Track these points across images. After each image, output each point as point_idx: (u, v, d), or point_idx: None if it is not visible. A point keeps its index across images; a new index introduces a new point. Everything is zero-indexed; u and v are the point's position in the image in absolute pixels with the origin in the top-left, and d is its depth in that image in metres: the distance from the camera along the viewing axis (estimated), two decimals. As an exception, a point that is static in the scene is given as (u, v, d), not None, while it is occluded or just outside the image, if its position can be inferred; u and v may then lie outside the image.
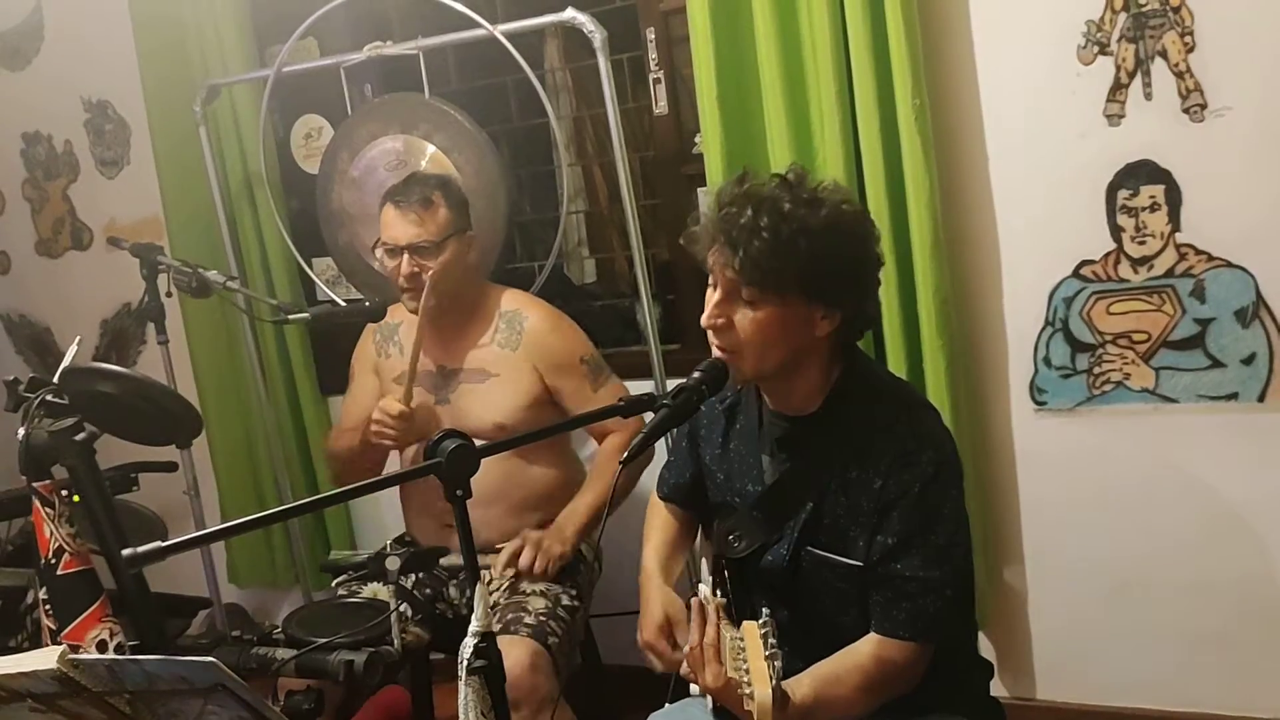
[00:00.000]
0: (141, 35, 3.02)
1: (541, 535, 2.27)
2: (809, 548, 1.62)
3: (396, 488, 2.45)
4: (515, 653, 2.02)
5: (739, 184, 1.58)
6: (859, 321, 1.65)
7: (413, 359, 2.26)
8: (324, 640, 1.92)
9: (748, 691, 1.31)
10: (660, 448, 1.98)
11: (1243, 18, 2.07)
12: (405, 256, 2.26)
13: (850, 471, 1.59)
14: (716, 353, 1.60)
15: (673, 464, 1.92)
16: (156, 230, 3.17)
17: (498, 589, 2.27)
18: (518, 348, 2.33)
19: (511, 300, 2.41)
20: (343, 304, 2.90)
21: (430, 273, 2.25)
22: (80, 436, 1.84)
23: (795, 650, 1.59)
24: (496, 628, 2.10)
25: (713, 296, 1.57)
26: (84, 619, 1.81)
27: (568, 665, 2.18)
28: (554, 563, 2.25)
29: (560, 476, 2.42)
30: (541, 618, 2.16)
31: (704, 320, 1.58)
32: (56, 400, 1.89)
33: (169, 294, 2.70)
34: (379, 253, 2.35)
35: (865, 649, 1.57)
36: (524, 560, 2.23)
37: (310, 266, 2.98)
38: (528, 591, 2.23)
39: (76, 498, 1.84)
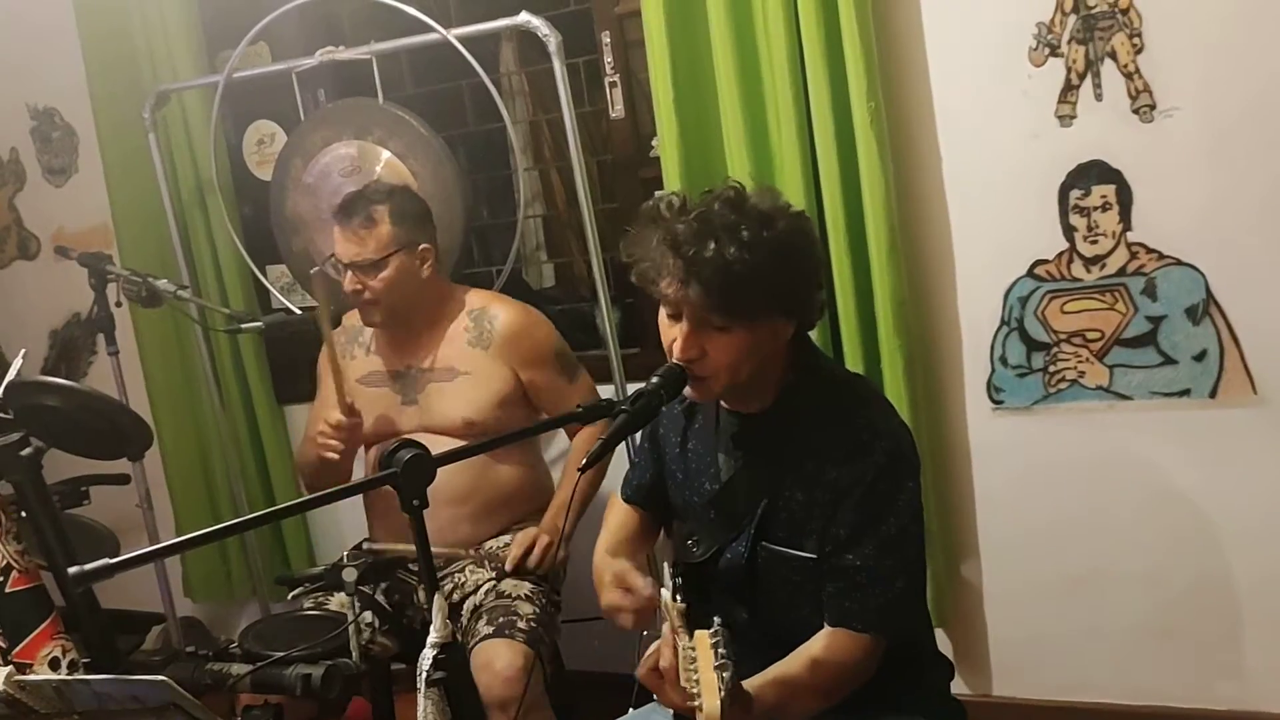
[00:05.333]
0: (88, 41, 2.98)
1: (550, 540, 2.28)
2: (764, 543, 1.63)
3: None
4: (509, 655, 2.04)
5: (683, 212, 1.54)
6: (813, 315, 1.66)
7: (334, 367, 2.27)
8: (280, 655, 1.89)
9: (697, 703, 1.32)
10: (621, 451, 1.98)
11: (1190, 19, 2.10)
12: (349, 274, 2.27)
13: (805, 465, 1.60)
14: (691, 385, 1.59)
15: (636, 465, 1.92)
16: (106, 239, 3.13)
17: (475, 590, 2.27)
18: (490, 345, 2.32)
19: (477, 299, 2.40)
20: (297, 311, 2.87)
21: (370, 289, 2.26)
22: (26, 452, 1.81)
23: (755, 651, 1.58)
24: (488, 630, 2.11)
25: (675, 328, 1.55)
26: (35, 637, 1.78)
27: (553, 669, 2.19)
28: (556, 565, 2.31)
29: (527, 478, 2.42)
30: (533, 623, 2.16)
31: (678, 355, 1.55)
32: (1, 415, 1.85)
33: (119, 304, 2.66)
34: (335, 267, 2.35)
35: (819, 643, 1.57)
36: (534, 559, 2.26)
37: (264, 274, 2.94)
38: (513, 596, 2.22)
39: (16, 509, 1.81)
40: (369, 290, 2.26)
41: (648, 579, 1.64)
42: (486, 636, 2.09)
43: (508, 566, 2.25)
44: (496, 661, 2.04)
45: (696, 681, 1.31)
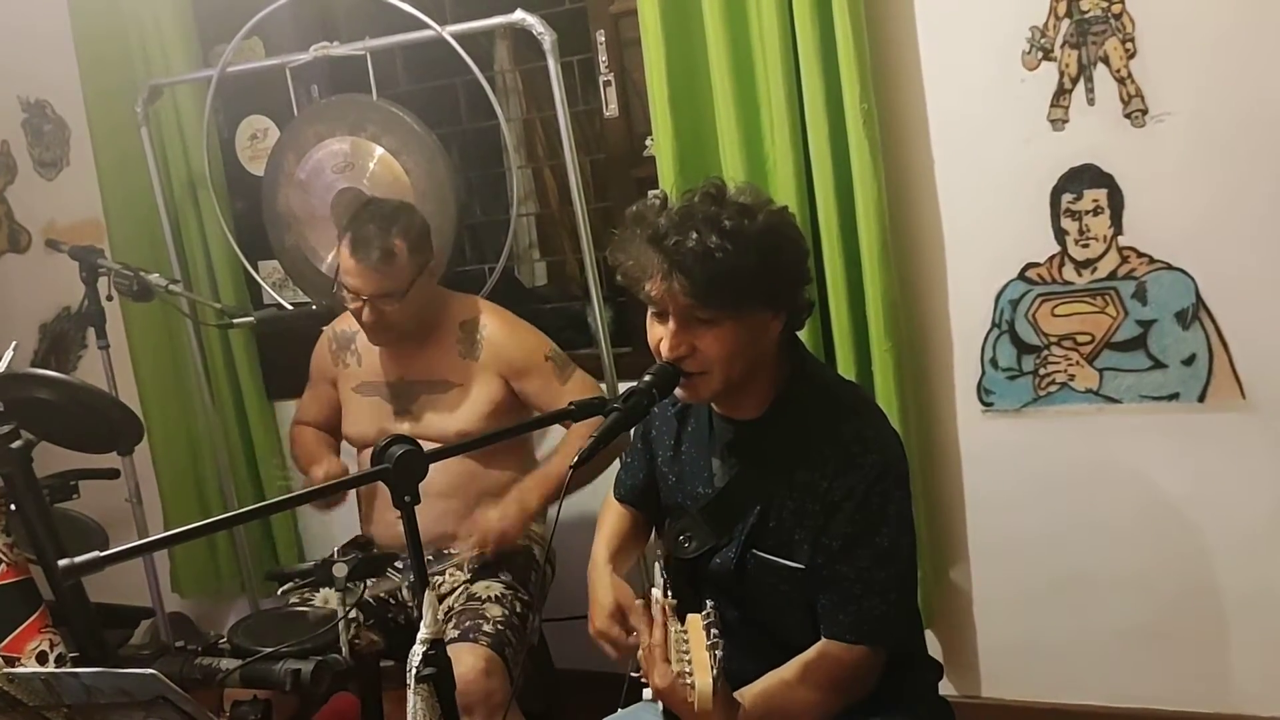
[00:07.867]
0: (81, 34, 2.97)
1: (499, 529, 2.25)
2: (754, 550, 1.63)
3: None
4: (470, 659, 2.02)
5: (663, 209, 1.56)
6: (801, 313, 1.66)
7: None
8: (270, 650, 1.89)
9: (689, 682, 1.32)
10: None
11: (1182, 24, 2.11)
12: (367, 306, 2.25)
13: (797, 474, 1.60)
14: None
15: (629, 465, 1.92)
16: (97, 232, 3.11)
17: (450, 593, 2.25)
18: (479, 356, 2.33)
19: (467, 308, 2.39)
20: (289, 307, 2.86)
21: (389, 315, 2.26)
22: (16, 444, 1.80)
23: (745, 651, 1.59)
24: (454, 634, 2.10)
25: (664, 327, 1.56)
26: (23, 630, 1.78)
27: (522, 671, 2.17)
28: (503, 546, 2.27)
29: (518, 474, 2.41)
30: (499, 626, 2.15)
31: (666, 354, 1.55)
32: (-9, 407, 1.84)
33: (109, 298, 2.65)
34: (340, 291, 2.33)
35: (814, 654, 1.58)
36: (489, 547, 2.25)
37: (256, 269, 2.94)
38: (482, 598, 2.21)
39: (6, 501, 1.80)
40: (388, 317, 2.26)
41: (646, 626, 1.61)
42: (452, 640, 2.08)
43: (470, 551, 2.25)
44: (458, 666, 2.03)
45: (688, 662, 1.32)
